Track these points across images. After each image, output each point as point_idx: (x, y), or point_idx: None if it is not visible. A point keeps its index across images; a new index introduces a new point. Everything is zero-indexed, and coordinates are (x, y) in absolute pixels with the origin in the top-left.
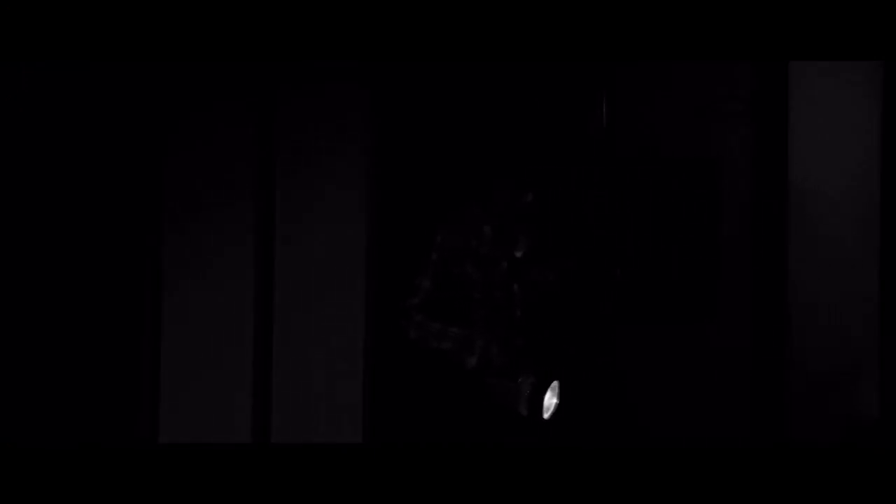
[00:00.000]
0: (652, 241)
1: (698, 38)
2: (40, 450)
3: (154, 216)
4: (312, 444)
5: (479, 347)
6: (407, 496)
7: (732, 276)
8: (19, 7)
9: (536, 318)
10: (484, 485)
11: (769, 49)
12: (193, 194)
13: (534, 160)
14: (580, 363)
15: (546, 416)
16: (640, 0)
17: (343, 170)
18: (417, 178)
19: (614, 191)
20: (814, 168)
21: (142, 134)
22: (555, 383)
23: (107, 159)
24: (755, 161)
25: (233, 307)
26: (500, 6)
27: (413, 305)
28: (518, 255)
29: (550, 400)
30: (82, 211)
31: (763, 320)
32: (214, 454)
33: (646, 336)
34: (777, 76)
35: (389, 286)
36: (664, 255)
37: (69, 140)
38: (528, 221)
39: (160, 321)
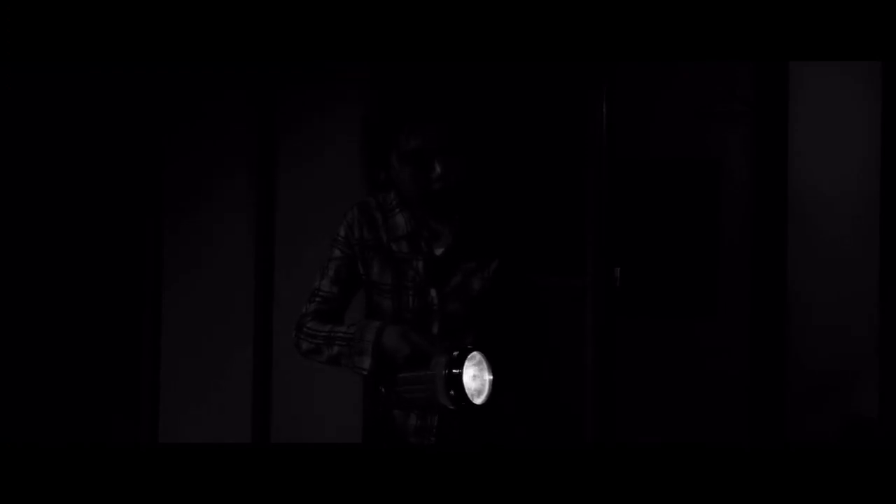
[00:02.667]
0: (652, 240)
1: (698, 38)
2: (40, 450)
3: (154, 212)
4: (312, 444)
5: (369, 343)
6: (408, 496)
7: (732, 275)
8: (19, 7)
9: (456, 336)
10: (486, 486)
11: (769, 49)
12: (193, 189)
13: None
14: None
15: (479, 400)
16: (640, 0)
17: (343, 158)
18: None
19: (614, 191)
20: (814, 168)
21: (142, 124)
22: (476, 355)
23: (106, 152)
24: (755, 161)
25: (233, 304)
26: (502, 6)
27: (308, 313)
28: (438, 253)
29: (483, 378)
30: (82, 204)
31: (762, 319)
32: (214, 454)
33: (645, 330)
34: (777, 76)
35: None
36: (664, 254)
37: (70, 138)
38: (449, 210)
39: (160, 320)
